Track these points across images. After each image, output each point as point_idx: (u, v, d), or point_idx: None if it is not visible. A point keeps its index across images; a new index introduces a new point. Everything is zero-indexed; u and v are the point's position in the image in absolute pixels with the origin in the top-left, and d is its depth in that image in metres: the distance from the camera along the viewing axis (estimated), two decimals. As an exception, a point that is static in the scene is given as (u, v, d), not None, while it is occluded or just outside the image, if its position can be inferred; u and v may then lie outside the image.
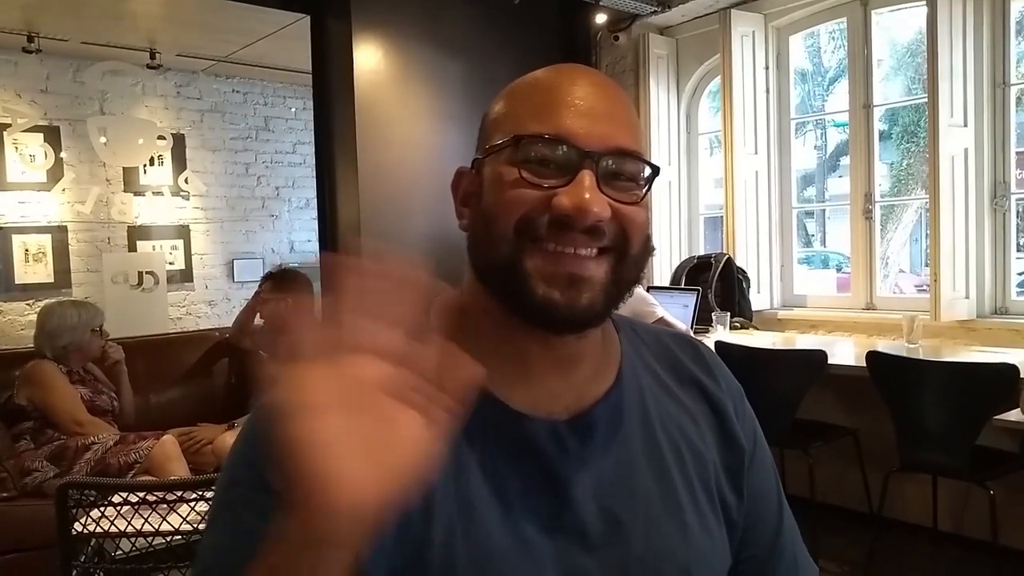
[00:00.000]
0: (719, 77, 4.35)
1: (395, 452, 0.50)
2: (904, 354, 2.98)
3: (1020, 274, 3.95)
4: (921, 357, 2.99)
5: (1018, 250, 3.73)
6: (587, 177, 0.68)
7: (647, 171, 0.73)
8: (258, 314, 3.60)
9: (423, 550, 0.65)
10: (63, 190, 5.60)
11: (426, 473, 0.51)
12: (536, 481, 0.70)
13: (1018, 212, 3.69)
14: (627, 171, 0.71)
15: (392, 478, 0.49)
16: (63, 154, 5.64)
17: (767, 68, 4.35)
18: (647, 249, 0.74)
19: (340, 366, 0.49)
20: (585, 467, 0.72)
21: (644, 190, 0.72)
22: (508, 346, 0.73)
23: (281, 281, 3.44)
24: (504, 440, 0.71)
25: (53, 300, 3.60)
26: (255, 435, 0.70)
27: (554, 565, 0.68)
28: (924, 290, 4.20)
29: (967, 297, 3.51)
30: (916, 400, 2.81)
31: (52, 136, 5.59)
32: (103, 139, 5.23)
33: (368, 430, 0.49)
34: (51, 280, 5.67)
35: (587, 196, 0.67)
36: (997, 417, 2.43)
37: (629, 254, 0.71)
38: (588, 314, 0.70)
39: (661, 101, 4.71)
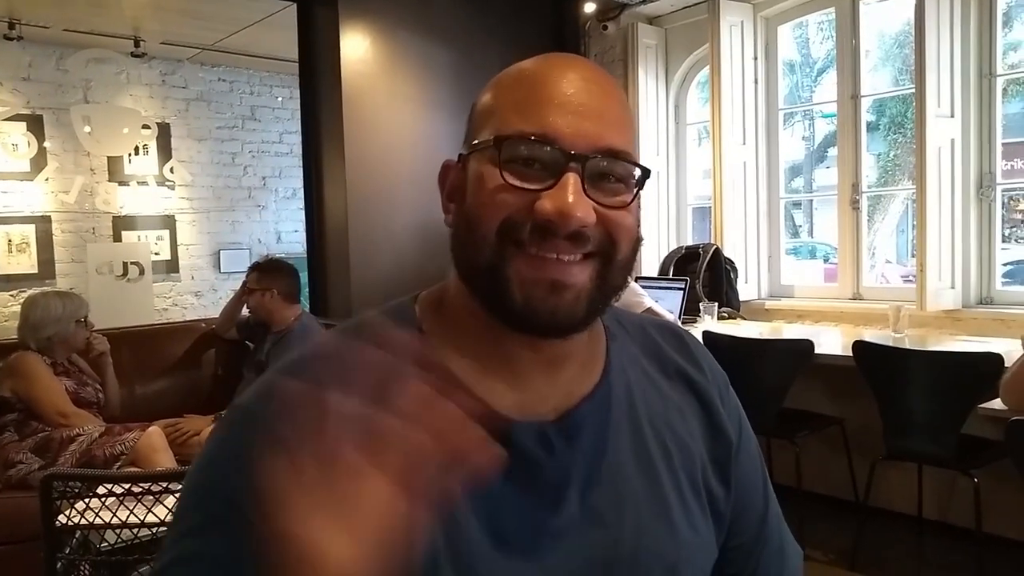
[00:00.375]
0: (708, 67, 4.34)
1: (366, 517, 0.49)
2: (890, 344, 3.00)
3: (1005, 264, 3.98)
4: (907, 347, 3.01)
5: (1003, 240, 3.76)
6: (572, 180, 0.65)
7: (638, 172, 0.70)
8: (245, 305, 3.57)
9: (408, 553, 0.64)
10: (47, 179, 5.55)
11: (411, 546, 0.50)
12: (522, 484, 0.69)
13: (1003, 203, 3.71)
14: (616, 172, 0.68)
15: (368, 552, 0.48)
16: (46, 143, 5.59)
17: (755, 58, 4.35)
18: (635, 253, 0.72)
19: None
20: (573, 468, 0.71)
21: (634, 192, 0.69)
22: (494, 347, 0.72)
23: (267, 272, 3.41)
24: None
25: (37, 291, 3.57)
26: (234, 457, 0.63)
27: (541, 568, 0.68)
28: (910, 280, 4.23)
29: (953, 287, 3.54)
30: (902, 389, 2.83)
31: (35, 125, 5.53)
32: (87, 128, 5.18)
33: (334, 484, 0.48)
34: (35, 271, 5.63)
35: (570, 200, 0.65)
36: (982, 406, 2.45)
37: (615, 259, 0.69)
38: (570, 321, 0.68)
39: (650, 91, 4.71)
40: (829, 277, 5.11)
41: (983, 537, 2.74)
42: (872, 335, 3.34)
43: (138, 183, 6.02)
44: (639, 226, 0.73)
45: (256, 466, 0.59)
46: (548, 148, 0.66)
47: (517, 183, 0.66)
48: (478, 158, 0.70)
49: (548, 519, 0.69)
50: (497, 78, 0.74)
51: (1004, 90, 3.66)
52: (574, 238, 0.66)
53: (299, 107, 4.26)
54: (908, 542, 3.32)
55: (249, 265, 3.58)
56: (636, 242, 0.71)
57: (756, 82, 4.36)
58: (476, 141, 0.71)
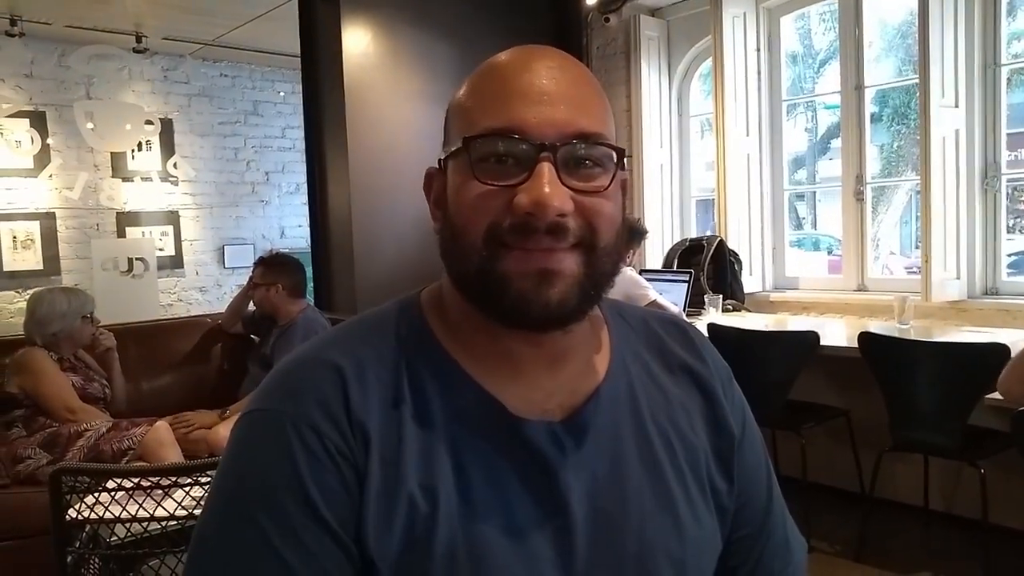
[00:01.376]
0: (710, 59, 4.33)
1: None
2: (896, 335, 3.00)
3: (1010, 255, 3.97)
4: (913, 338, 3.00)
5: (1008, 231, 3.75)
6: (546, 169, 0.65)
7: (614, 153, 0.69)
8: (251, 300, 3.58)
9: (427, 549, 0.65)
10: (50, 176, 5.56)
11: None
12: (535, 483, 0.69)
13: (1008, 193, 3.70)
14: (592, 156, 0.68)
15: None
16: (50, 140, 5.60)
17: (758, 50, 4.34)
18: (619, 238, 0.71)
19: None
20: (581, 467, 0.71)
21: (612, 175, 0.69)
22: (496, 347, 0.72)
23: (272, 266, 3.41)
24: (503, 441, 0.70)
25: (43, 287, 3.57)
26: (290, 445, 0.66)
27: (552, 565, 0.68)
28: (914, 272, 4.22)
29: (958, 278, 3.53)
30: (908, 380, 2.83)
31: (38, 121, 5.54)
32: (90, 124, 5.19)
33: None
34: (40, 267, 5.65)
35: (546, 191, 0.64)
36: (988, 396, 2.45)
37: (598, 247, 0.68)
38: (562, 309, 0.67)
39: (652, 83, 4.70)
40: (833, 269, 5.10)
41: (989, 528, 2.74)
42: (877, 326, 3.34)
43: (142, 179, 6.03)
44: (623, 210, 0.72)
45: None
46: (517, 141, 0.66)
47: (492, 182, 0.66)
48: (454, 163, 0.70)
49: (558, 517, 0.69)
50: (468, 78, 0.73)
51: (1008, 80, 3.65)
52: (555, 231, 0.65)
53: (301, 102, 4.26)
54: (914, 533, 3.32)
55: (255, 259, 3.58)
56: (618, 229, 0.71)
57: (759, 74, 4.35)
58: (449, 146, 0.71)
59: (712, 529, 0.78)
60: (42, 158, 5.52)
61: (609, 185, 0.69)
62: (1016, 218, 5.08)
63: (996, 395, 2.40)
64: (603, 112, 0.71)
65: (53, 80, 5.65)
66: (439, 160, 0.73)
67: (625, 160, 0.72)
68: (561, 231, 0.65)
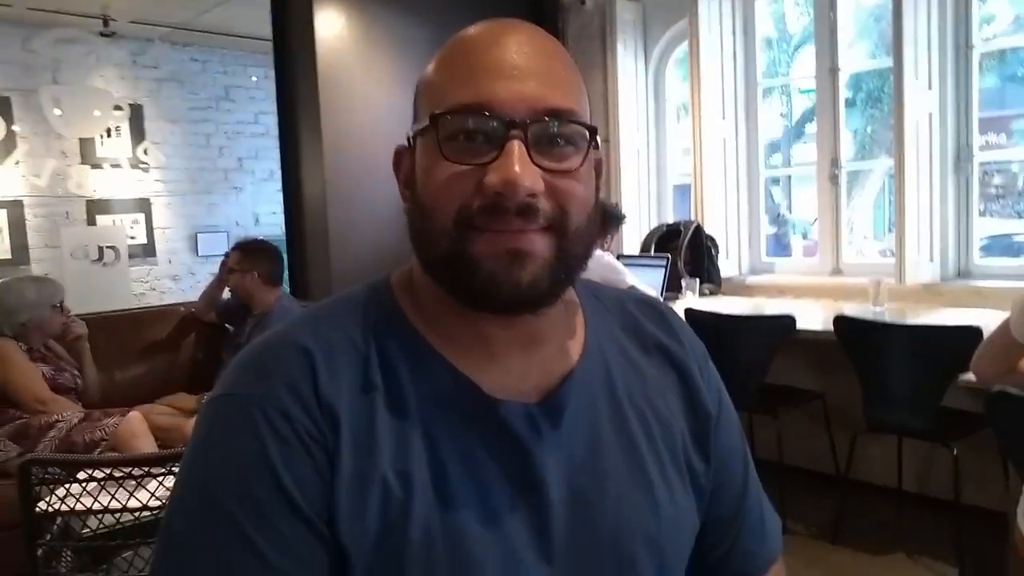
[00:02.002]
0: (686, 42, 4.32)
1: None
2: (870, 317, 3.02)
3: (982, 238, 4.02)
4: (887, 320, 3.03)
5: (981, 214, 3.78)
6: (516, 147, 0.63)
7: (587, 132, 0.67)
8: (224, 285, 3.52)
9: (403, 533, 0.64)
10: (16, 163, 5.46)
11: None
12: (511, 465, 0.69)
13: (981, 176, 3.74)
14: (564, 134, 0.66)
15: None
16: (15, 126, 5.49)
17: (734, 33, 4.33)
18: (592, 221, 0.69)
19: None
20: (557, 449, 0.70)
21: (585, 154, 0.67)
22: (469, 329, 0.70)
23: (249, 252, 3.35)
24: (479, 424, 0.69)
25: (11, 277, 3.50)
26: (259, 430, 0.64)
27: (528, 548, 0.67)
28: (888, 255, 4.25)
29: (931, 260, 3.56)
30: (882, 363, 2.86)
31: (3, 107, 5.43)
32: (57, 110, 5.09)
33: None
34: (8, 256, 5.55)
35: (516, 169, 0.62)
36: (962, 377, 2.47)
37: (569, 230, 0.66)
38: (533, 291, 0.66)
39: (628, 68, 4.68)
40: (808, 253, 5.14)
41: (962, 508, 2.78)
42: (852, 309, 3.36)
43: (111, 166, 5.93)
44: (596, 191, 0.71)
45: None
46: (487, 118, 0.64)
47: (460, 161, 0.65)
48: (422, 141, 0.68)
49: (534, 499, 0.68)
50: (438, 52, 0.71)
51: (981, 63, 3.67)
52: (525, 212, 0.64)
53: (274, 87, 4.19)
54: (888, 514, 3.37)
55: (232, 245, 3.52)
56: (591, 211, 0.69)
57: (735, 57, 4.34)
58: (418, 123, 0.69)
59: (689, 509, 0.78)
60: (8, 145, 5.41)
61: (581, 164, 0.67)
62: (988, 201, 5.14)
63: (969, 376, 2.42)
64: (576, 88, 0.69)
65: (18, 65, 5.53)
66: (408, 138, 0.71)
67: (600, 141, 0.70)
68: (531, 212, 0.64)
